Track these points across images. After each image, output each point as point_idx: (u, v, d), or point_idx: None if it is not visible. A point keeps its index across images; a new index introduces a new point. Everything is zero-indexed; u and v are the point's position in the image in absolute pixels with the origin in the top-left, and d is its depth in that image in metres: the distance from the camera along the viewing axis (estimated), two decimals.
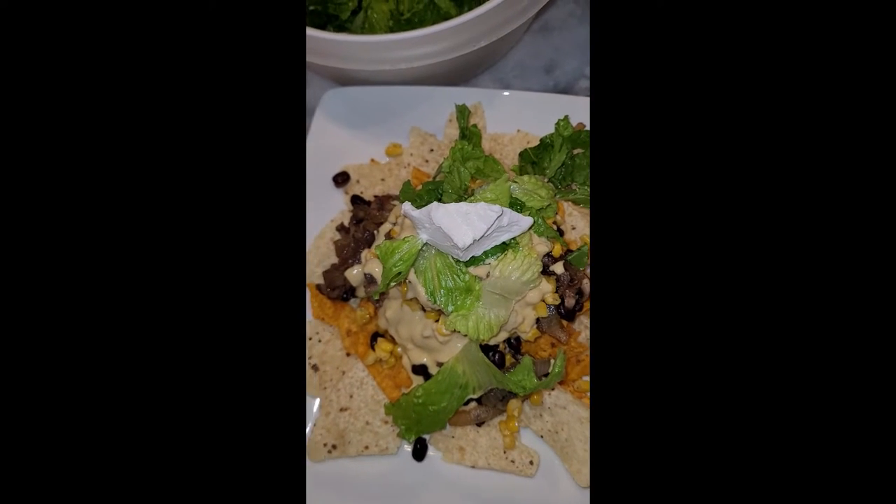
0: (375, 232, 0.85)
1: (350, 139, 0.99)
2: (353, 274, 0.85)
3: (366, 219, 0.88)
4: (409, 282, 0.76)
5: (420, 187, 0.83)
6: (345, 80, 1.05)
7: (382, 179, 0.97)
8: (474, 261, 0.75)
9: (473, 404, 0.83)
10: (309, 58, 0.92)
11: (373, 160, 0.99)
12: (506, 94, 1.00)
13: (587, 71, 1.15)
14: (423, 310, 0.79)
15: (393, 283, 0.76)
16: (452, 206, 0.69)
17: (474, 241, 0.69)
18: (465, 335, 0.75)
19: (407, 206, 0.72)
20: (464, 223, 0.68)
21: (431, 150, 0.98)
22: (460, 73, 1.09)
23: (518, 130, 0.98)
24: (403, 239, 0.74)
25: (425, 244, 0.74)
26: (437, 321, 0.78)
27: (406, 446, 0.84)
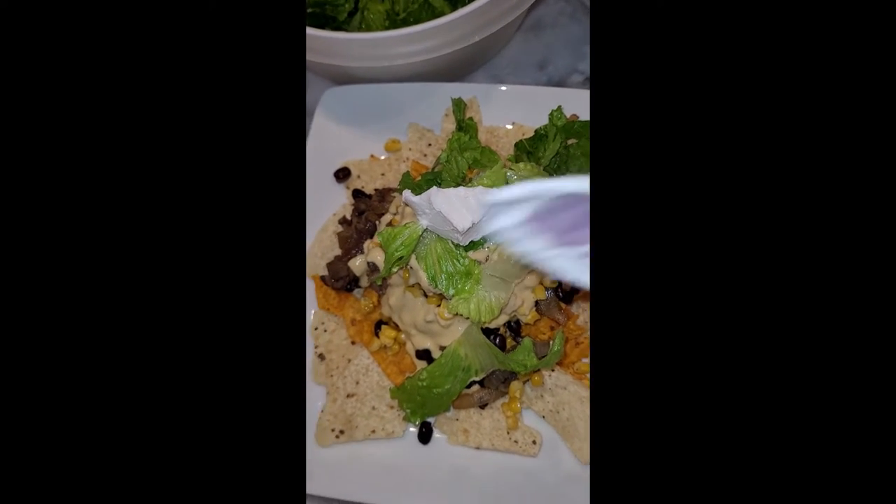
0: (377, 222, 0.88)
1: (350, 136, 1.02)
2: (357, 264, 0.87)
3: (367, 210, 0.90)
4: (411, 267, 0.79)
5: (419, 178, 0.85)
6: (343, 79, 1.08)
7: (382, 174, 1.00)
8: (473, 245, 0.77)
9: (476, 387, 0.85)
10: (309, 56, 0.95)
11: (372, 156, 1.02)
12: (501, 88, 1.03)
13: (580, 66, 1.18)
14: (425, 295, 0.82)
15: (395, 269, 0.78)
16: (451, 190, 0.72)
17: (473, 224, 0.72)
18: (467, 318, 0.78)
19: (407, 193, 0.75)
20: (463, 207, 0.71)
21: (430, 145, 1.01)
22: (455, 70, 1.12)
23: (513, 123, 1.01)
24: (404, 225, 0.76)
25: (425, 230, 0.77)
26: (438, 306, 0.81)
27: (412, 429, 0.87)
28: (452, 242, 0.77)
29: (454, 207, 0.71)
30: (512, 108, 1.02)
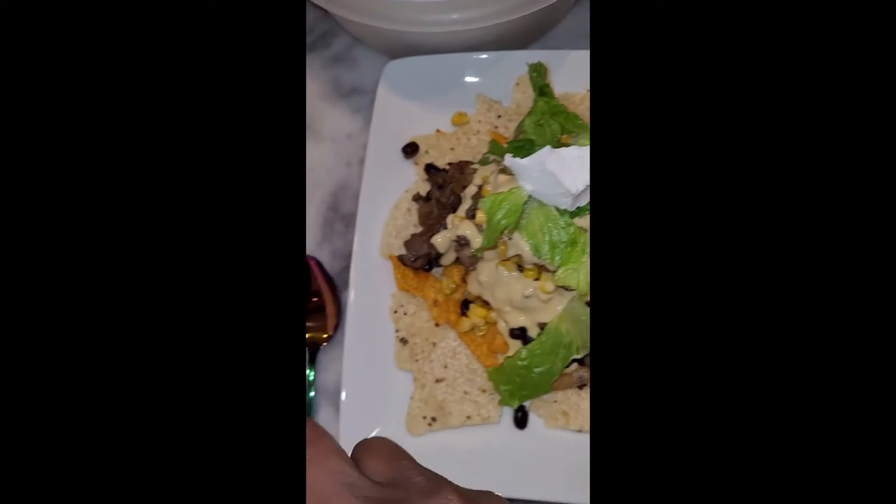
0: (461, 195, 0.83)
1: (414, 110, 0.97)
2: (440, 240, 0.82)
3: (449, 183, 0.85)
4: (511, 238, 0.74)
5: (506, 145, 0.80)
6: (398, 51, 1.02)
7: (452, 148, 0.94)
8: (579, 211, 0.72)
9: (575, 365, 0.80)
10: (365, 20, 0.91)
11: (438, 130, 0.97)
12: (570, 53, 0.98)
13: None
14: (520, 269, 0.77)
15: (501, 238, 0.73)
16: (564, 150, 0.67)
17: (586, 186, 0.67)
18: (574, 290, 0.73)
19: (510, 157, 0.70)
20: (578, 167, 0.66)
21: (499, 117, 0.96)
22: (513, 41, 1.07)
23: (586, 88, 0.96)
24: (509, 191, 0.71)
25: (529, 196, 0.72)
26: (537, 279, 0.76)
27: (506, 414, 0.81)
28: (557, 209, 0.72)
29: (568, 168, 0.66)
30: (582, 75, 0.96)
